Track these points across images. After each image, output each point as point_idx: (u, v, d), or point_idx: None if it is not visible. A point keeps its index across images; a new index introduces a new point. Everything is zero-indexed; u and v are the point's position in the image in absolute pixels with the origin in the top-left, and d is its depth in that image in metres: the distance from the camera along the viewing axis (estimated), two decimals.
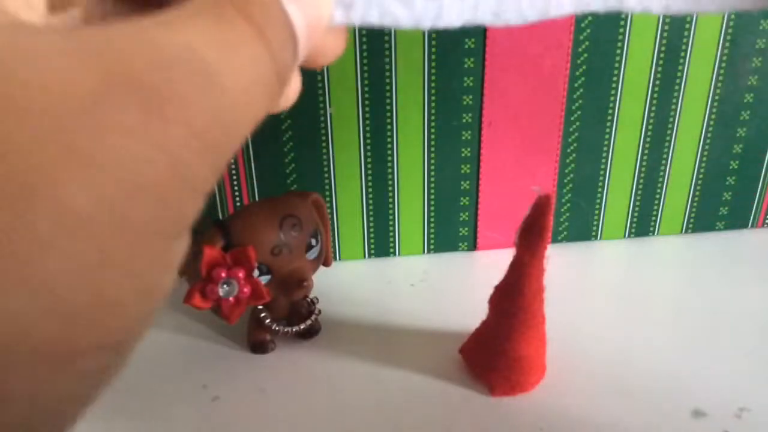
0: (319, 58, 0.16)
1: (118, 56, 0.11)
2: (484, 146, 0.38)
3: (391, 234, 0.40)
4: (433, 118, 0.37)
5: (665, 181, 0.40)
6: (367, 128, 0.36)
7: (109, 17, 0.16)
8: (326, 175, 0.37)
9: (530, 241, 0.27)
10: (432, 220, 0.40)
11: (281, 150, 0.36)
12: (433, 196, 0.39)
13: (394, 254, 0.40)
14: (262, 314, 0.32)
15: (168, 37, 0.12)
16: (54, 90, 0.10)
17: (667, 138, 0.39)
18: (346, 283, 0.38)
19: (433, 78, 0.36)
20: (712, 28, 0.36)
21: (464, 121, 0.37)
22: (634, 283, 0.38)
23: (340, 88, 0.35)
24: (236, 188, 0.37)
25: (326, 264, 0.34)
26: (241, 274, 0.29)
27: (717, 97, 0.38)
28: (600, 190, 0.40)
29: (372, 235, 0.40)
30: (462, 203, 0.39)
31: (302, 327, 0.33)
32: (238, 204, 0.37)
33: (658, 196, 0.41)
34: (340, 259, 0.40)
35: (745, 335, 0.33)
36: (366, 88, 0.35)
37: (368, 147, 0.37)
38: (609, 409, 0.28)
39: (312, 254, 0.32)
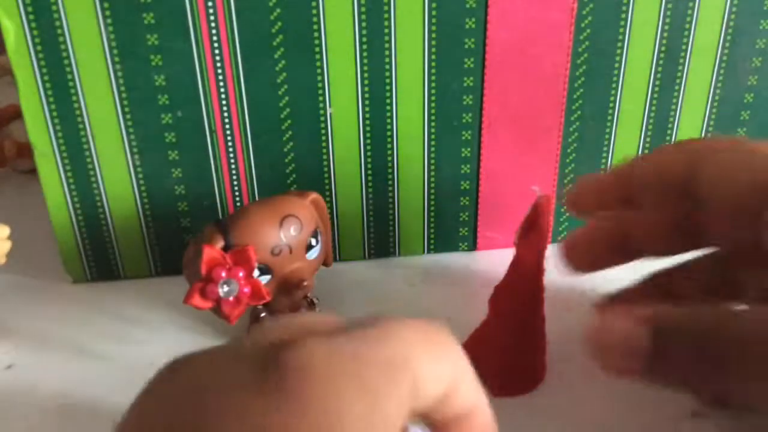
0: None
1: None
2: (484, 146, 0.38)
3: (391, 234, 0.40)
4: (433, 118, 0.37)
5: None
6: (367, 128, 0.36)
7: None
8: (326, 175, 0.37)
9: (530, 241, 0.27)
10: (432, 220, 0.40)
11: (281, 150, 0.36)
12: (433, 197, 0.39)
13: (394, 254, 0.40)
14: (262, 314, 0.32)
15: None
16: None
17: (668, 138, 0.39)
18: (346, 283, 0.38)
19: (433, 78, 0.36)
20: (712, 28, 0.36)
21: (464, 121, 0.37)
22: None
23: (340, 88, 0.35)
24: (236, 188, 0.37)
25: (326, 264, 0.34)
26: (241, 274, 0.29)
27: (717, 97, 0.38)
28: None
29: (372, 235, 0.40)
30: (462, 203, 0.39)
31: None
32: (238, 204, 0.37)
33: None
34: (340, 259, 0.40)
35: None
36: (366, 88, 0.35)
37: (368, 147, 0.37)
38: (609, 409, 0.28)
39: (312, 254, 0.32)
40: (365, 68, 0.35)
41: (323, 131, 0.36)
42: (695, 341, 0.21)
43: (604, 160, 0.39)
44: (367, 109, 0.36)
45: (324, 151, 0.37)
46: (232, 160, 0.36)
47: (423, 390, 0.17)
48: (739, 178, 0.24)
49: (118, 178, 0.36)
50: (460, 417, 0.20)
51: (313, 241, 0.32)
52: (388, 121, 0.36)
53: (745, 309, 0.21)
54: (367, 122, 0.36)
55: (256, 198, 0.37)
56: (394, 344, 0.17)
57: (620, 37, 0.36)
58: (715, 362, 0.20)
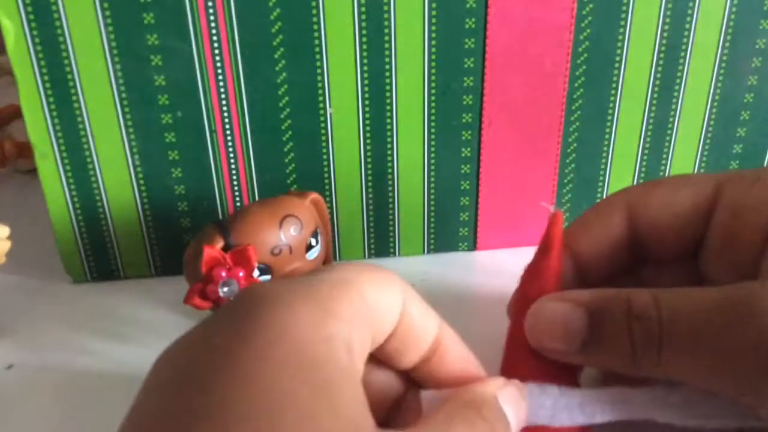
0: None
1: None
2: (484, 146, 0.38)
3: (391, 234, 0.40)
4: (433, 118, 0.37)
5: None
6: (367, 128, 0.36)
7: None
8: (326, 175, 0.37)
9: (545, 266, 0.26)
10: (432, 220, 0.40)
11: (281, 150, 0.36)
12: (433, 197, 0.39)
13: (394, 254, 0.40)
14: None
15: None
16: None
17: (667, 138, 0.39)
18: None
19: (433, 77, 0.36)
20: (712, 28, 0.36)
21: (464, 121, 0.37)
22: None
23: (340, 88, 0.35)
24: (236, 188, 0.37)
25: (326, 264, 0.34)
26: (241, 274, 0.29)
27: (717, 97, 0.38)
28: (600, 190, 0.40)
29: (372, 235, 0.40)
30: (462, 203, 0.39)
31: None
32: (238, 204, 0.37)
33: None
34: (340, 259, 0.40)
35: None
36: (366, 88, 0.35)
37: (368, 147, 0.37)
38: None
39: (312, 254, 0.32)
40: (365, 68, 0.35)
41: (323, 131, 0.36)
42: (627, 322, 0.21)
43: (604, 161, 0.39)
44: (367, 109, 0.36)
45: (324, 151, 0.37)
46: (232, 160, 0.36)
47: (375, 310, 0.19)
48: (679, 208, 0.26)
49: (118, 178, 0.36)
50: (429, 352, 0.21)
51: (313, 241, 0.32)
52: (388, 121, 0.36)
53: (673, 289, 0.22)
54: (367, 122, 0.36)
55: (256, 198, 0.37)
56: (340, 271, 0.19)
57: (620, 37, 0.36)
58: (647, 340, 0.21)
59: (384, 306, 0.19)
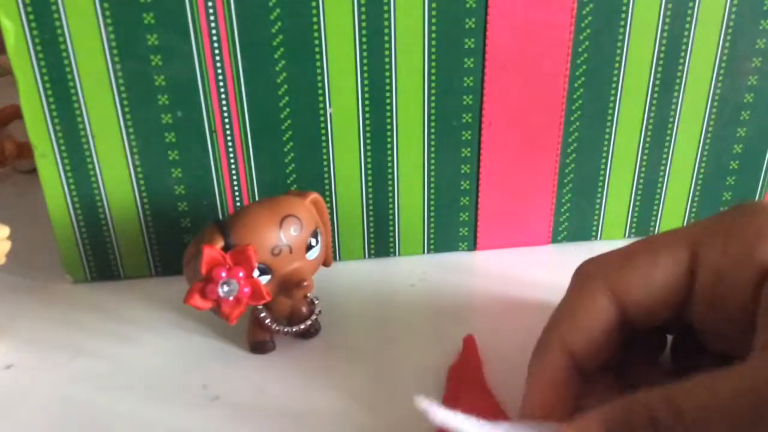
0: None
1: None
2: (484, 146, 0.38)
3: (391, 234, 0.40)
4: (433, 118, 0.37)
5: (665, 181, 0.40)
6: (367, 128, 0.36)
7: None
8: (326, 175, 0.37)
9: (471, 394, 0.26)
10: (432, 220, 0.40)
11: (281, 150, 0.36)
12: (433, 196, 0.39)
13: (394, 254, 0.40)
14: (262, 314, 0.32)
15: None
16: None
17: (667, 138, 0.39)
18: (346, 283, 0.38)
19: (433, 78, 0.36)
20: (712, 28, 0.36)
21: (464, 121, 0.37)
22: None
23: (340, 88, 0.35)
24: (236, 188, 0.37)
25: (326, 264, 0.34)
26: (241, 274, 0.29)
27: (717, 97, 0.38)
28: (600, 190, 0.40)
29: (372, 235, 0.40)
30: (462, 203, 0.39)
31: (302, 327, 0.33)
32: (238, 204, 0.37)
33: (658, 196, 0.41)
34: (340, 259, 0.40)
35: None
36: (366, 88, 0.35)
37: (368, 147, 0.37)
38: None
39: (312, 254, 0.32)
40: (365, 68, 0.35)
41: (323, 131, 0.36)
42: None
43: (604, 160, 0.39)
44: (367, 109, 0.36)
45: (324, 151, 0.37)
46: (232, 160, 0.36)
47: None
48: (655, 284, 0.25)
49: (118, 178, 0.36)
50: None
51: (313, 241, 0.32)
52: (388, 120, 0.36)
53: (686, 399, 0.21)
54: (367, 122, 0.36)
55: (256, 198, 0.37)
56: None
57: (620, 37, 0.36)
58: None
59: None
